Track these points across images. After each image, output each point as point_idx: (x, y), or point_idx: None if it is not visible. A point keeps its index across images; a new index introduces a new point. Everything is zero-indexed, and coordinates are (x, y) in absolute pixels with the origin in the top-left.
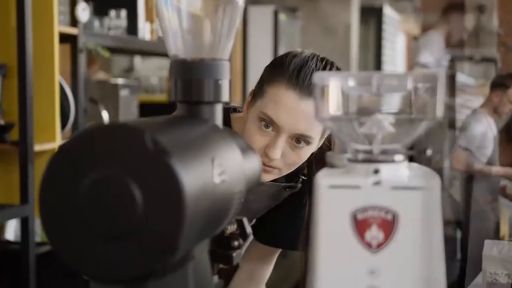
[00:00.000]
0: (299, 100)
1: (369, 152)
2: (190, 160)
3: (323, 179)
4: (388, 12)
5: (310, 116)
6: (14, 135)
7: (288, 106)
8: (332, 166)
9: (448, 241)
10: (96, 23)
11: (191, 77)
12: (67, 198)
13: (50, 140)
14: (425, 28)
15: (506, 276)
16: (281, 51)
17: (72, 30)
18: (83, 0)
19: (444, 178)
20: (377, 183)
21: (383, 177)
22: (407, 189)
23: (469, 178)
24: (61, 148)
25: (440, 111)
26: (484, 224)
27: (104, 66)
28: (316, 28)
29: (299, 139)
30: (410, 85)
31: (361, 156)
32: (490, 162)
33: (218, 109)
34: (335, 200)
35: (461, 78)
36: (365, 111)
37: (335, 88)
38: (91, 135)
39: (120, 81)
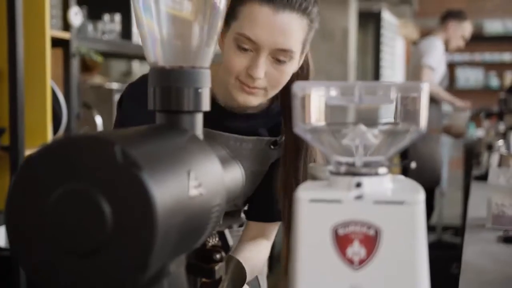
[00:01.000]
0: (274, 13)
1: (352, 164)
2: (163, 173)
3: (303, 192)
4: (387, 16)
5: (288, 29)
6: (5, 140)
7: (264, 21)
8: (314, 178)
9: None
10: (90, 27)
11: (170, 85)
12: (34, 211)
13: (41, 145)
14: (424, 33)
15: None
16: None
17: (65, 35)
18: (77, 4)
19: None
20: (359, 197)
21: (365, 191)
22: (390, 204)
23: None
24: (29, 159)
25: (424, 123)
26: (428, 150)
27: (101, 70)
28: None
29: (279, 56)
30: (393, 96)
31: (343, 168)
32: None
33: (199, 118)
34: (315, 215)
35: None
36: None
37: (316, 98)
38: (60, 147)
39: (115, 85)
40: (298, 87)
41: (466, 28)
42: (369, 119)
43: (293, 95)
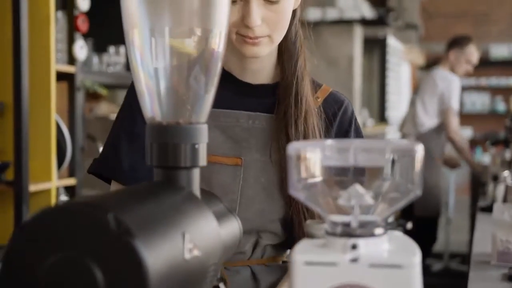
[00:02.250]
0: None
1: (347, 224)
2: (157, 238)
3: (299, 255)
4: (392, 42)
5: None
6: (9, 174)
7: None
8: (310, 235)
9: None
10: (95, 59)
11: (167, 141)
12: (28, 277)
13: (46, 179)
14: (430, 58)
15: None
16: None
17: (70, 69)
18: (83, 37)
19: None
20: (354, 260)
21: (361, 253)
22: (386, 267)
23: None
24: (24, 225)
25: (419, 187)
26: (432, 179)
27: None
28: (319, 60)
29: None
30: (388, 156)
31: (338, 229)
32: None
33: (196, 174)
34: (311, 277)
35: None
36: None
37: (311, 158)
38: (54, 214)
39: None
40: (292, 149)
41: (470, 53)
42: (367, 174)
43: (288, 156)
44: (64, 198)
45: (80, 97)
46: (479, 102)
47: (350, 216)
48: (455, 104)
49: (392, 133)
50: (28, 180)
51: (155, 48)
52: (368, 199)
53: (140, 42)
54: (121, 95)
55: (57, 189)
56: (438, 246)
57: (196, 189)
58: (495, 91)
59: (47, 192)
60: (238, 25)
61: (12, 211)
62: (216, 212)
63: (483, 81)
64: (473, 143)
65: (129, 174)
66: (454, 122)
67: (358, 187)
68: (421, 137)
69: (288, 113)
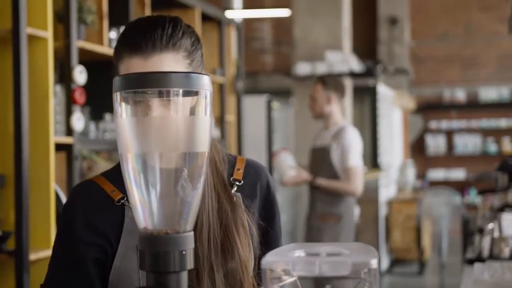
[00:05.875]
0: (146, 60)
1: None
2: None
3: None
4: (382, 89)
5: (162, 69)
6: (10, 244)
7: (137, 71)
8: None
9: None
10: (92, 126)
11: (158, 250)
12: None
13: (45, 247)
14: (421, 101)
15: None
16: (276, 137)
17: (68, 140)
18: (80, 106)
19: None
20: None
21: None
22: None
23: None
24: None
25: None
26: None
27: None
28: (310, 113)
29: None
30: (348, 271)
31: None
32: None
33: (184, 277)
34: None
35: None
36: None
37: (281, 272)
38: None
39: None
40: (267, 263)
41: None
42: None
43: (262, 271)
44: None
45: (77, 166)
46: (471, 144)
47: None
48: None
49: (384, 178)
50: (28, 249)
51: (147, 170)
52: None
53: (133, 165)
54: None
55: None
56: None
57: None
58: (486, 132)
59: (47, 259)
60: None
61: (14, 280)
62: None
63: (474, 123)
64: (466, 184)
65: None
66: None
67: None
68: None
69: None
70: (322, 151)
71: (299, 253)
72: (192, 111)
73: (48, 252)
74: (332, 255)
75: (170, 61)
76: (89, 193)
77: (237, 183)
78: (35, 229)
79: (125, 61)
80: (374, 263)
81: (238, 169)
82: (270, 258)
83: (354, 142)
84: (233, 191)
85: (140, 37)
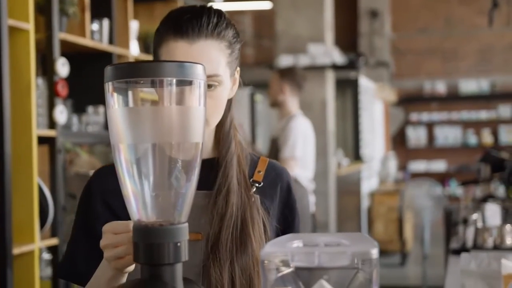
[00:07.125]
0: (191, 44)
1: None
2: None
3: None
4: (364, 82)
5: (207, 56)
6: None
7: (182, 55)
8: None
9: None
10: (75, 119)
11: (152, 242)
12: None
13: (29, 241)
14: (402, 94)
15: None
16: (259, 130)
17: (50, 133)
18: (62, 99)
19: None
20: None
21: None
22: None
23: None
24: None
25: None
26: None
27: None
28: None
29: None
30: (348, 261)
31: None
32: None
33: (178, 269)
34: None
35: None
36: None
37: (280, 264)
38: None
39: None
40: (265, 254)
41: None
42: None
43: (261, 263)
44: (47, 257)
45: (60, 159)
46: (452, 136)
47: None
48: None
49: (366, 170)
50: (11, 244)
51: (140, 161)
52: None
53: (126, 155)
54: (100, 150)
55: (40, 249)
56: (416, 281)
57: (180, 284)
58: (466, 124)
59: (30, 253)
60: None
61: None
62: None
63: (454, 115)
64: (447, 176)
65: (85, 277)
66: None
67: (324, 283)
68: None
69: (214, 190)
70: (274, 141)
71: (297, 243)
72: (186, 101)
73: (32, 246)
74: (331, 246)
75: (213, 49)
76: (107, 177)
77: (257, 184)
78: (19, 223)
79: (169, 44)
80: (374, 253)
81: (259, 171)
82: (269, 249)
83: (295, 132)
84: (252, 192)
85: (188, 21)
